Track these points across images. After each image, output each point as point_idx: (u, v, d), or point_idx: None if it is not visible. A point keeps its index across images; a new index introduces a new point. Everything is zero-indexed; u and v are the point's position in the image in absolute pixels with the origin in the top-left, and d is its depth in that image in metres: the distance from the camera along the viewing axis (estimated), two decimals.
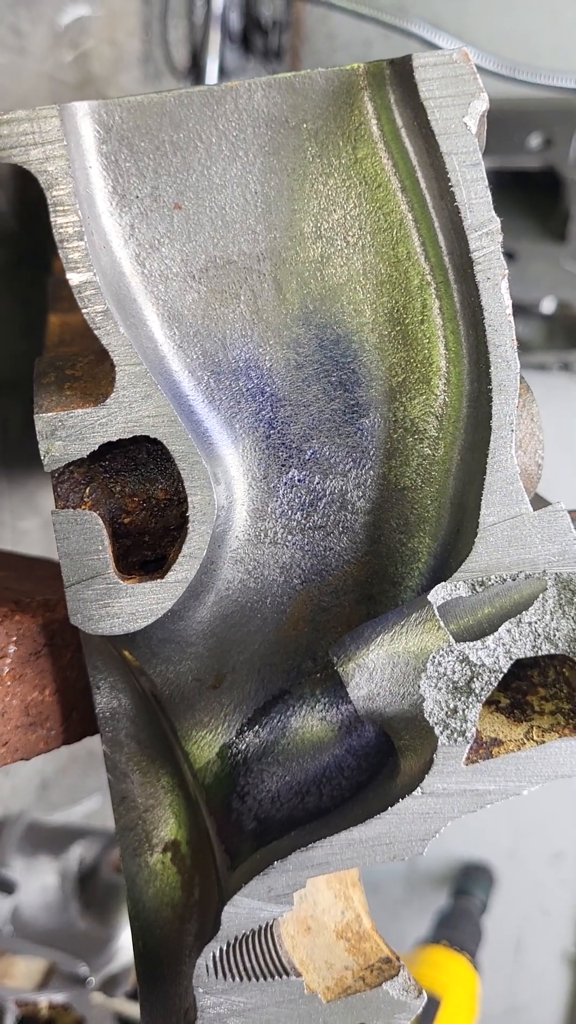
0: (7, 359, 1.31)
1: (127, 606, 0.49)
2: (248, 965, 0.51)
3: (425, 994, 0.52)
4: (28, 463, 1.39)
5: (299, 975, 0.51)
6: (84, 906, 1.39)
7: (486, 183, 0.48)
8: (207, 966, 0.50)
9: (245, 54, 1.73)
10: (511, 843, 2.13)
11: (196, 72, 1.61)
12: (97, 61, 1.40)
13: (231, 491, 0.52)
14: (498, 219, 0.49)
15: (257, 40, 1.74)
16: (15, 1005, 1.14)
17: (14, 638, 0.54)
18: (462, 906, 2.00)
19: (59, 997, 1.16)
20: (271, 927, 0.51)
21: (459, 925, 1.93)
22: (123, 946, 1.34)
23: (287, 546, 0.54)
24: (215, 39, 1.63)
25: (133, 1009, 1.29)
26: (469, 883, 2.06)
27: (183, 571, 0.49)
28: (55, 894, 1.39)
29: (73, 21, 1.36)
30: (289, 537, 0.54)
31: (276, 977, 0.51)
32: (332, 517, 0.54)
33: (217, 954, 0.50)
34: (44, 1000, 1.15)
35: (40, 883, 1.38)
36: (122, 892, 1.37)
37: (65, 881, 1.39)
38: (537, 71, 1.40)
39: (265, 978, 0.51)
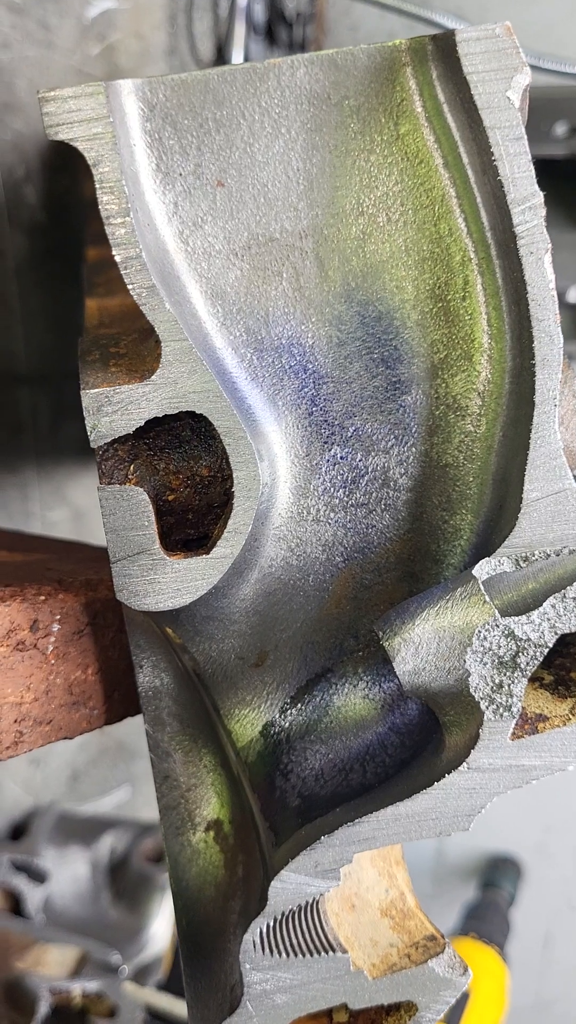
0: (36, 352, 1.32)
1: (172, 582, 0.49)
2: (294, 941, 0.51)
3: (471, 972, 0.52)
4: (57, 454, 1.40)
5: (345, 951, 0.51)
6: (115, 896, 1.39)
7: (529, 157, 0.48)
8: (254, 942, 0.50)
9: (270, 47, 1.73)
10: (540, 837, 2.12)
11: (221, 65, 1.61)
12: (123, 54, 1.41)
13: (274, 468, 0.52)
14: (541, 193, 0.49)
15: (281, 32, 1.74)
16: (49, 993, 1.14)
17: (58, 616, 0.54)
18: (490, 899, 1.99)
19: (92, 985, 1.16)
20: (317, 904, 0.52)
21: (487, 918, 1.93)
22: (154, 935, 1.34)
23: (329, 524, 0.54)
24: (240, 32, 1.63)
25: (163, 1001, 1.29)
26: (497, 876, 2.06)
27: (228, 547, 0.49)
28: (86, 884, 1.39)
29: (100, 14, 1.36)
30: (331, 515, 0.54)
31: (322, 953, 0.51)
32: (374, 494, 0.54)
33: (264, 930, 0.50)
34: (77, 988, 1.15)
35: (71, 873, 1.39)
36: (153, 882, 1.38)
37: (96, 871, 1.40)
38: (562, 60, 1.39)
39: (311, 954, 0.51)
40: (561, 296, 1.65)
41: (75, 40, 1.30)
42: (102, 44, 1.36)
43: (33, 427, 1.35)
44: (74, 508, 1.42)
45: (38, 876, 1.34)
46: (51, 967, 1.21)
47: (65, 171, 1.32)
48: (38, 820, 1.42)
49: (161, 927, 1.35)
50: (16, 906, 1.32)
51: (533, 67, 1.39)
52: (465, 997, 1.71)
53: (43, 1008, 1.12)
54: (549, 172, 1.67)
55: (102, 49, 1.37)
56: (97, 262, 0.83)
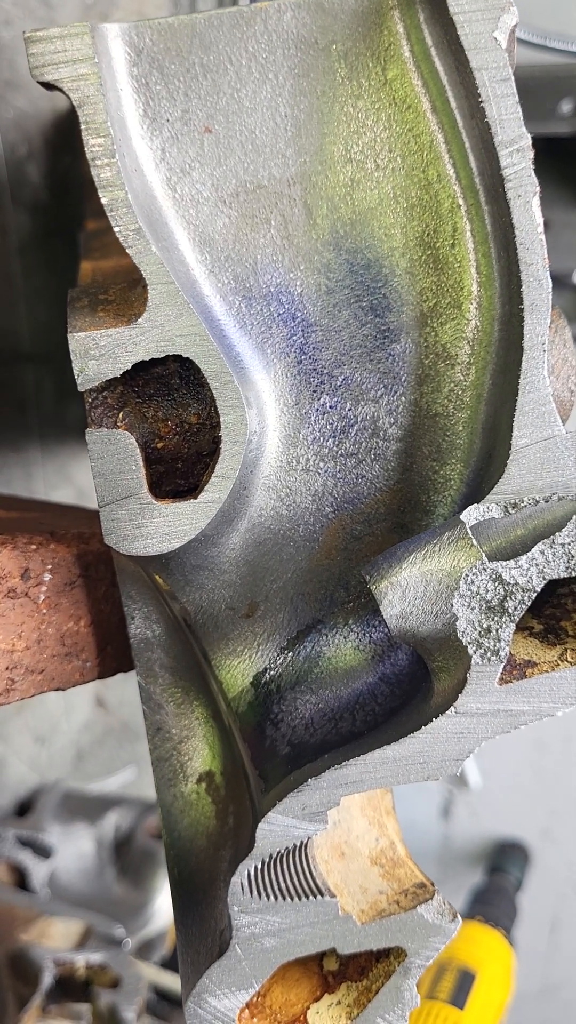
0: (40, 330, 1.32)
1: (160, 526, 0.49)
2: (283, 885, 0.51)
3: (460, 919, 0.52)
4: (61, 434, 1.40)
5: (334, 896, 0.51)
6: (120, 872, 1.40)
7: (516, 99, 0.48)
8: (242, 884, 0.50)
9: None
10: (546, 822, 2.12)
11: None
12: None
13: (263, 416, 0.53)
14: (528, 135, 0.48)
15: None
16: (53, 964, 1.15)
17: (49, 566, 0.55)
18: (497, 883, 1.99)
19: (96, 957, 1.17)
20: (305, 848, 0.52)
21: (494, 901, 1.93)
22: (158, 911, 1.35)
23: (319, 473, 0.54)
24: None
25: (165, 979, 1.30)
26: (504, 861, 2.06)
27: (216, 491, 0.49)
28: (91, 860, 1.40)
29: None
30: (321, 464, 0.54)
31: (310, 897, 0.51)
32: (364, 444, 0.54)
33: (252, 872, 0.50)
34: (81, 960, 1.16)
35: (77, 849, 1.39)
36: (157, 858, 1.38)
37: (101, 847, 1.41)
38: (568, 39, 1.39)
39: (300, 898, 0.51)
40: (566, 277, 1.65)
41: (77, 18, 1.30)
42: (104, 22, 1.36)
43: (37, 406, 1.36)
44: (78, 488, 1.43)
45: (43, 851, 1.35)
46: (55, 939, 1.21)
47: (67, 150, 1.32)
48: (43, 797, 1.43)
49: (165, 903, 1.36)
50: (21, 880, 1.32)
51: (539, 46, 1.38)
52: (471, 980, 1.72)
53: (47, 979, 1.13)
54: (554, 151, 1.67)
55: None
56: (95, 231, 0.83)
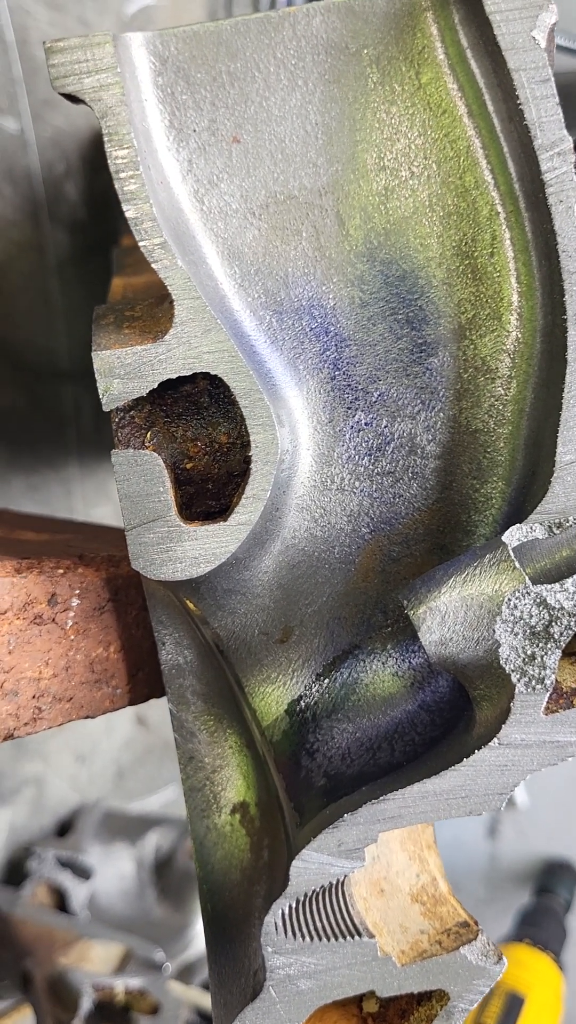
0: (78, 347, 1.32)
1: (189, 550, 0.48)
2: (319, 925, 0.49)
3: (506, 960, 0.49)
4: (100, 451, 1.40)
5: (372, 936, 0.49)
6: (160, 893, 1.39)
7: (557, 100, 0.46)
8: (276, 924, 0.48)
9: None
10: None
11: None
12: None
13: (295, 435, 0.51)
14: (571, 138, 0.46)
15: None
16: (92, 989, 1.13)
17: (77, 591, 0.53)
18: (545, 904, 1.94)
19: (135, 982, 1.15)
20: (342, 886, 0.50)
21: (542, 924, 1.88)
22: (199, 933, 1.33)
23: (354, 493, 0.52)
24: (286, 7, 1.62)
25: (207, 1002, 1.28)
26: (552, 881, 2.01)
27: (246, 513, 0.47)
28: (131, 881, 1.39)
29: (139, 10, 1.36)
30: (356, 483, 0.52)
31: (348, 938, 0.49)
32: (401, 462, 0.52)
33: (286, 911, 0.48)
34: (120, 985, 1.14)
35: (117, 870, 1.38)
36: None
37: (141, 868, 1.39)
38: None
39: (336, 939, 0.49)
40: None
41: None
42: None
43: (76, 423, 1.35)
44: (117, 504, 1.42)
45: (83, 873, 1.33)
46: (95, 963, 1.20)
47: (105, 167, 1.32)
48: (84, 817, 1.42)
49: None
50: (61, 902, 1.31)
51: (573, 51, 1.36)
52: (520, 1004, 1.67)
53: (86, 1003, 1.11)
54: None
55: None
56: (129, 247, 0.82)
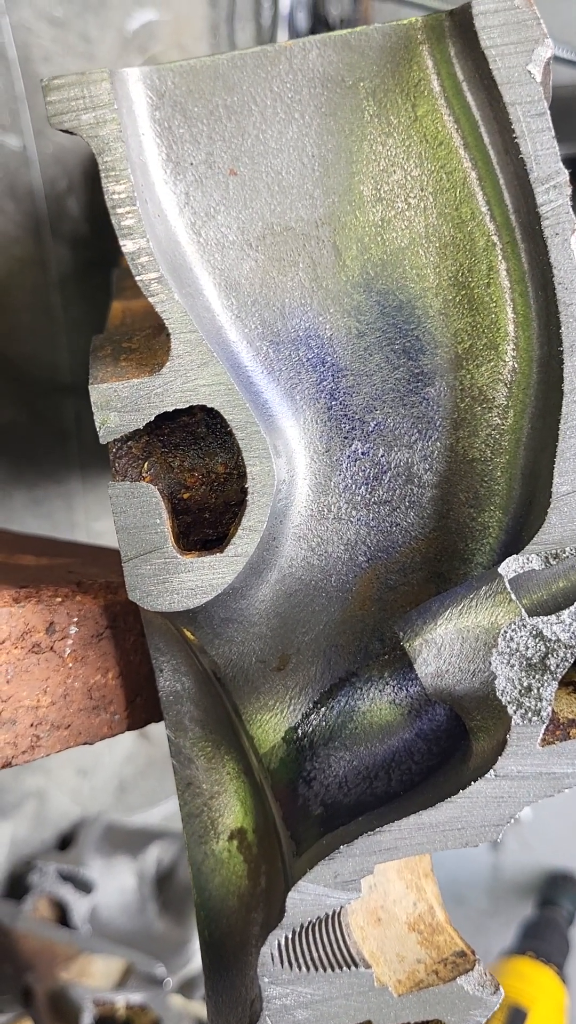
0: (80, 362, 1.32)
1: (186, 581, 0.48)
2: (315, 955, 0.49)
3: (502, 990, 0.49)
4: (103, 465, 1.40)
5: (368, 967, 0.49)
6: (161, 907, 1.38)
7: (552, 134, 0.46)
8: (272, 954, 0.48)
9: None
10: None
11: None
12: None
13: (292, 465, 0.51)
14: (566, 171, 0.46)
15: None
16: (93, 1004, 1.13)
17: (75, 619, 0.53)
18: (548, 917, 1.94)
19: (136, 997, 1.15)
20: (339, 916, 0.50)
21: (545, 936, 1.87)
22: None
23: (351, 522, 0.52)
24: (283, 40, 1.63)
25: None
26: (556, 893, 2.00)
27: (243, 544, 0.47)
28: (133, 895, 1.39)
29: (141, 26, 1.37)
30: (353, 512, 0.52)
31: (345, 968, 0.49)
32: (398, 491, 0.52)
33: (282, 942, 0.48)
34: (121, 1000, 1.14)
35: (118, 884, 1.38)
36: None
37: (143, 882, 1.39)
38: None
39: (333, 969, 0.49)
40: None
41: (116, 52, 1.30)
42: (144, 56, 1.37)
43: (78, 437, 1.36)
44: None
45: (84, 886, 1.33)
46: (95, 978, 1.20)
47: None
48: (85, 830, 1.42)
49: None
50: (62, 916, 1.31)
51: None
52: (522, 1018, 1.67)
53: (86, 1019, 1.11)
54: None
55: (144, 61, 1.37)
56: (129, 268, 0.82)
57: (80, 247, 1.29)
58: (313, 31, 1.73)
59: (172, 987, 1.22)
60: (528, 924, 1.93)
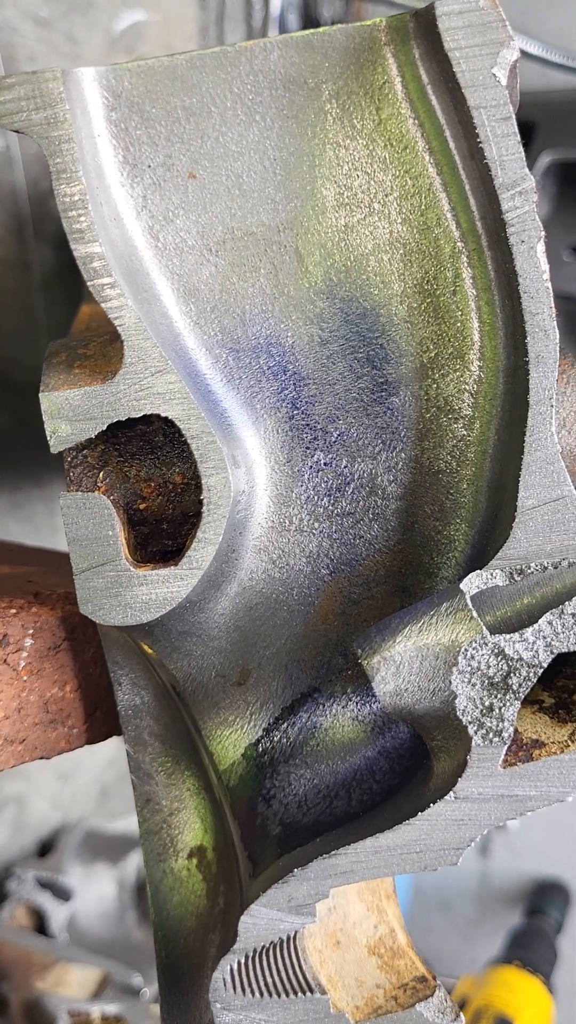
0: None
1: (140, 595, 0.46)
2: (270, 980, 0.48)
3: (463, 1018, 0.48)
4: None
5: (324, 992, 0.47)
6: (141, 916, 1.37)
7: (518, 139, 0.45)
8: (224, 980, 0.47)
9: None
10: None
11: None
12: None
13: (252, 475, 0.50)
14: (532, 177, 0.45)
15: None
16: (68, 1015, 1.12)
17: (30, 631, 0.52)
18: (536, 926, 1.93)
19: (112, 1008, 1.14)
20: (294, 940, 0.48)
21: (533, 946, 1.86)
22: None
23: (314, 534, 0.51)
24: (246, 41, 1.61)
25: None
26: (543, 902, 1.99)
27: (198, 557, 0.46)
28: (112, 903, 1.37)
29: (128, 27, 1.36)
30: (316, 524, 0.51)
31: (300, 994, 0.47)
32: (361, 503, 0.51)
33: (235, 967, 0.47)
34: (97, 1011, 1.13)
35: (97, 891, 1.36)
36: None
37: (122, 890, 1.38)
38: None
39: (288, 995, 0.47)
40: None
41: (103, 53, 1.29)
42: (131, 56, 1.35)
43: None
44: None
45: (63, 894, 1.32)
46: (71, 988, 1.19)
47: None
48: (65, 837, 1.41)
49: None
50: (40, 924, 1.30)
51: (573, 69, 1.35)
52: None
53: None
54: None
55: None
56: None
57: (64, 248, 1.28)
58: None
59: (149, 998, 1.20)
60: (515, 933, 1.91)
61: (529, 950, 1.85)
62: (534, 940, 1.89)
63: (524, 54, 1.26)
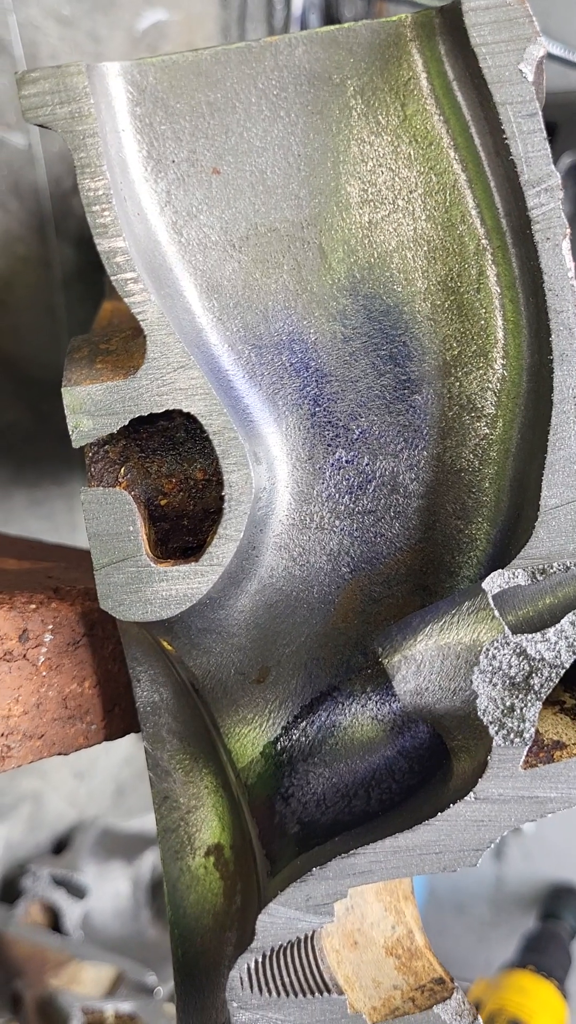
0: None
1: (160, 591, 0.46)
2: (287, 980, 0.47)
3: (480, 1021, 0.48)
4: None
5: (342, 993, 0.47)
6: (155, 914, 1.37)
7: (544, 135, 0.44)
8: (241, 978, 0.47)
9: None
10: None
11: None
12: None
13: (273, 472, 0.49)
14: (558, 174, 0.45)
15: None
16: (81, 1012, 1.12)
17: (50, 626, 0.52)
18: (551, 930, 1.91)
19: (126, 1006, 1.14)
20: (312, 940, 0.48)
21: (547, 950, 1.85)
22: None
23: (335, 532, 0.51)
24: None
25: None
26: (558, 906, 1.98)
27: (219, 554, 0.46)
28: (127, 901, 1.37)
29: (151, 26, 1.36)
30: (336, 522, 0.51)
31: (317, 994, 0.47)
32: (383, 501, 0.51)
33: (252, 966, 0.47)
34: (110, 1009, 1.13)
35: (112, 889, 1.37)
36: None
37: (137, 888, 1.38)
38: None
39: (305, 994, 0.47)
40: None
41: (125, 52, 1.29)
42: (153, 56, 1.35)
43: None
44: None
45: (78, 892, 1.32)
46: (86, 985, 1.19)
47: None
48: (81, 835, 1.41)
49: None
50: (55, 921, 1.30)
51: None
52: None
53: None
54: None
55: None
56: None
57: (84, 246, 1.28)
58: None
59: (163, 996, 1.20)
60: (530, 937, 1.90)
61: (543, 954, 1.84)
62: (548, 944, 1.88)
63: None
